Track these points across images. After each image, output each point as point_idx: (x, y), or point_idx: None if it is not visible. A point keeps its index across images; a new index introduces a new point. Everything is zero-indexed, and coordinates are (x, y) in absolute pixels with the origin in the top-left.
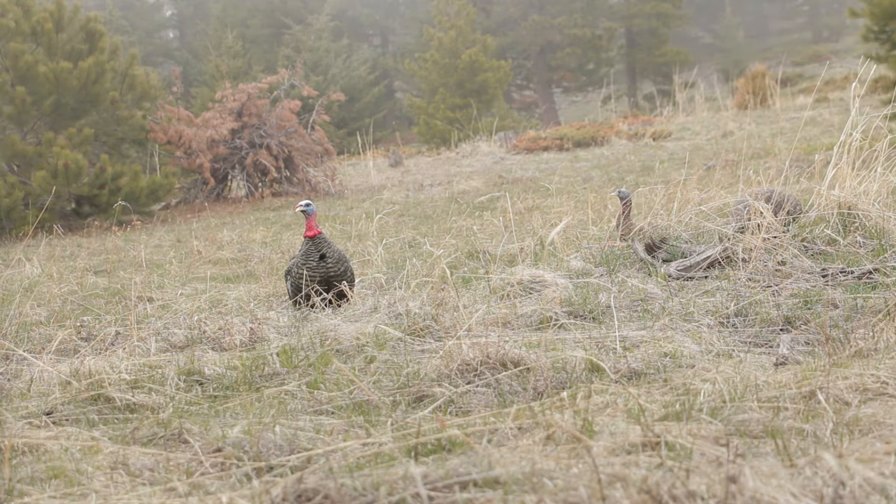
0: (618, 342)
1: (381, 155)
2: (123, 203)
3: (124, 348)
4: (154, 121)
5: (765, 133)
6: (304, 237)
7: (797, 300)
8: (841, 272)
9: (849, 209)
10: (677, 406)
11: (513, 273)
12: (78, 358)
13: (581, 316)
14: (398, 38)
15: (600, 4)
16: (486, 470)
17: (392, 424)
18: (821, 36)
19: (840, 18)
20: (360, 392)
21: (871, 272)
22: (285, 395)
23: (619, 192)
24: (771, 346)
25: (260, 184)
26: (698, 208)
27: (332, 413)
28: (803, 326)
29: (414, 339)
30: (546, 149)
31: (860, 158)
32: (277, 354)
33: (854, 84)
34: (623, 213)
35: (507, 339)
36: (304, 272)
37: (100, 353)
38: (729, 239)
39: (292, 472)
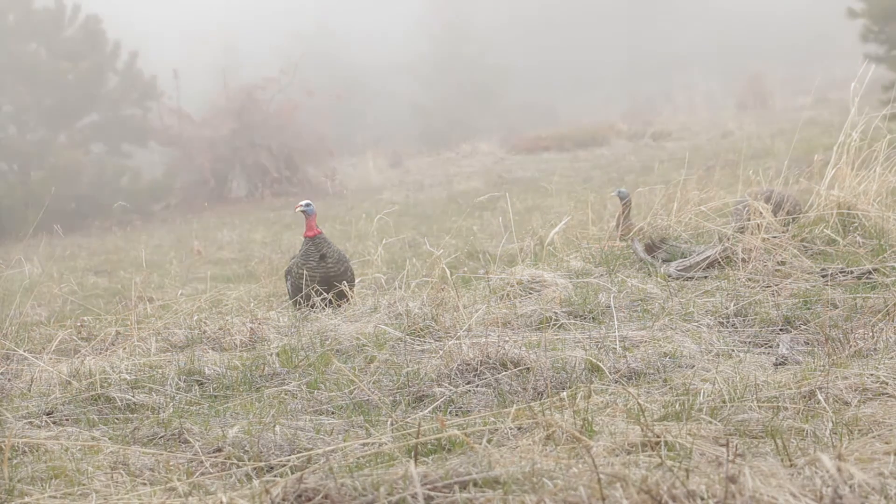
0: (618, 342)
1: (380, 155)
2: (123, 203)
3: (124, 348)
4: (154, 121)
5: (764, 133)
6: (304, 237)
7: (797, 300)
8: (840, 272)
9: (848, 209)
10: (677, 406)
11: (513, 273)
12: (78, 358)
13: (581, 316)
14: (399, 38)
15: (601, 4)
16: (485, 470)
17: (392, 424)
18: (821, 36)
19: (840, 18)
20: (360, 392)
21: (870, 272)
22: (285, 395)
23: (619, 192)
24: (771, 346)
25: (260, 184)
26: (698, 208)
27: (332, 413)
28: (803, 326)
29: (414, 339)
30: (546, 149)
31: (859, 158)
32: (277, 354)
33: (853, 84)
34: (623, 213)
35: (507, 339)
36: (304, 272)
37: (100, 353)
38: (729, 239)
39: (292, 472)
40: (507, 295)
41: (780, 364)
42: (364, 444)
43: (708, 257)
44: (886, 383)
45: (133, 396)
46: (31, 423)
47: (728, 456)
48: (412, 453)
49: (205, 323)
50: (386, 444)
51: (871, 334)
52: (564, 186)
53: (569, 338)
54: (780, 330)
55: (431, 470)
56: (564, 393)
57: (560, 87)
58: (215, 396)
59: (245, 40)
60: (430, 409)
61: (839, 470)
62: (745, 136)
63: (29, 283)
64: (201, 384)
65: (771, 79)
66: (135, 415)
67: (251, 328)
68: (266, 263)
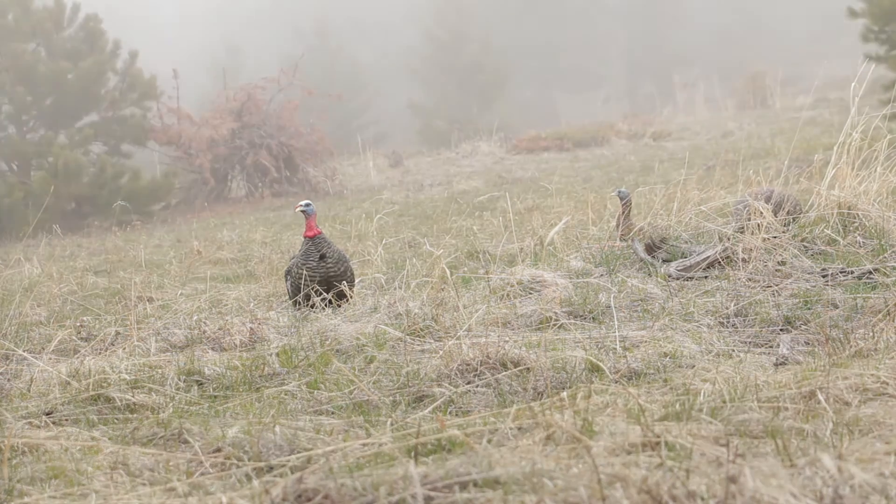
0: (618, 342)
1: (380, 155)
2: (123, 203)
3: (124, 348)
4: (154, 120)
5: (765, 133)
6: (304, 237)
7: (797, 300)
8: (841, 272)
9: (849, 209)
10: (677, 406)
11: (513, 273)
12: (78, 358)
13: (581, 316)
14: (399, 38)
15: (601, 4)
16: (486, 470)
17: (392, 424)
18: (821, 36)
19: (840, 18)
20: (360, 392)
21: (871, 272)
22: (285, 395)
23: (619, 191)
24: (771, 346)
25: (260, 184)
26: (698, 208)
27: (332, 413)
28: (803, 326)
29: (414, 339)
30: (546, 149)
31: (860, 158)
32: (277, 354)
33: (853, 84)
34: (623, 213)
35: (507, 339)
36: (304, 272)
37: (100, 353)
38: (729, 239)
39: (292, 472)
40: (507, 295)
41: (780, 364)
42: (364, 445)
43: (708, 257)
44: (887, 383)
45: (133, 396)
46: (30, 423)
47: (728, 456)
48: (412, 453)
49: (205, 323)
50: (386, 444)
51: (871, 334)
52: (564, 186)
53: (569, 338)
54: (781, 330)
55: (431, 470)
56: (564, 393)
57: (560, 87)
58: (215, 396)
59: (245, 40)
60: (430, 409)
61: (840, 470)
62: (745, 136)
63: (28, 283)
64: (201, 384)
65: (771, 79)
66: (134, 415)
67: (251, 328)
68: (266, 263)
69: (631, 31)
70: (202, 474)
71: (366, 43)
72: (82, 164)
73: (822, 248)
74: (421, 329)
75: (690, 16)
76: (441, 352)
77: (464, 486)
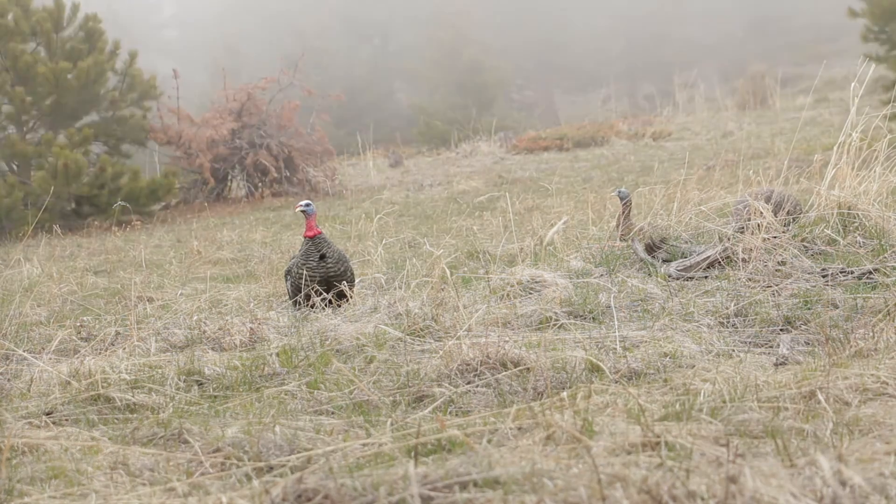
0: (618, 342)
1: (380, 155)
2: (123, 203)
3: (124, 348)
4: (154, 120)
5: (765, 133)
6: (304, 237)
7: (797, 300)
8: (841, 272)
9: (849, 209)
10: (677, 406)
11: (513, 273)
12: (78, 358)
13: (581, 316)
14: (399, 38)
15: (600, 4)
16: (486, 470)
17: (392, 424)
18: (821, 36)
19: (840, 18)
20: (360, 392)
21: (871, 272)
22: (285, 395)
23: (619, 192)
24: (771, 346)
25: (260, 184)
26: (698, 208)
27: (332, 413)
28: (803, 326)
29: (414, 339)
30: (546, 149)
31: (860, 158)
32: (277, 354)
33: (853, 84)
34: (623, 213)
35: (507, 339)
36: (304, 272)
37: (100, 353)
38: (729, 239)
39: (292, 472)
40: (507, 295)
41: (780, 364)
42: (364, 445)
43: (708, 257)
44: (887, 383)
45: (133, 396)
46: (30, 423)
47: (728, 456)
48: (412, 453)
49: (205, 323)
50: (386, 444)
51: (871, 334)
52: (564, 186)
53: (569, 338)
54: (781, 330)
55: (431, 470)
56: (564, 393)
57: (560, 87)
58: (215, 396)
59: (245, 40)
60: (430, 409)
61: (839, 472)
62: (744, 136)
63: (29, 283)
64: (201, 384)
65: (771, 79)
66: (134, 415)
67: (251, 328)
68: (266, 263)
69: (631, 31)
70: (202, 474)
71: (366, 43)
72: (82, 164)
73: (822, 248)
74: (421, 329)
75: (690, 16)
76: (441, 352)
77: (464, 486)
